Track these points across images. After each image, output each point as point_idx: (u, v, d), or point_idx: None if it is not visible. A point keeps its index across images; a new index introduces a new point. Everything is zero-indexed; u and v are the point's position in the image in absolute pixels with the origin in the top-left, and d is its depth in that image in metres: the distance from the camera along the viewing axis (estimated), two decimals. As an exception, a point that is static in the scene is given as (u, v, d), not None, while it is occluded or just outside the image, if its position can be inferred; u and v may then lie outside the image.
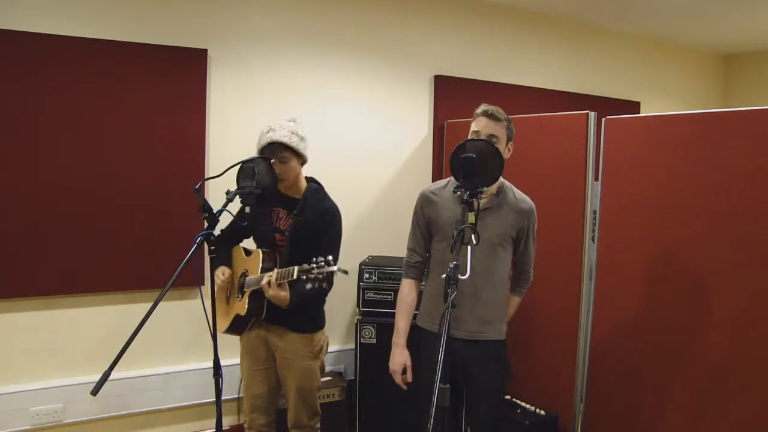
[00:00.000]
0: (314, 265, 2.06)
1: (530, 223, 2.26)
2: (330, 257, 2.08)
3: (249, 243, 2.56)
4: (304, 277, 2.07)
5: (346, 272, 2.10)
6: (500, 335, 2.26)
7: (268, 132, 2.32)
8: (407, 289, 2.32)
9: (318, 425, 2.53)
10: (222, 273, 2.43)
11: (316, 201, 2.39)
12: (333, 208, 2.41)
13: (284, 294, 2.21)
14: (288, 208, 2.40)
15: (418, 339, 2.30)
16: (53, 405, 2.83)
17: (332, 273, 2.07)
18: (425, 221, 2.29)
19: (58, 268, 2.82)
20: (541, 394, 2.94)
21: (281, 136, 2.29)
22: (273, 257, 2.35)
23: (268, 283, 2.18)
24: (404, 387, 2.23)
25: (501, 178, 2.22)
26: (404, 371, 2.23)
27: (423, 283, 2.39)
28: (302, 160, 2.39)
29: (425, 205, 2.29)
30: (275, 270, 2.22)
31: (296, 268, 2.11)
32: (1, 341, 2.77)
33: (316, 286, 2.06)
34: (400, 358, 2.23)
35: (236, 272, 2.47)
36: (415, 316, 2.34)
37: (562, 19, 4.40)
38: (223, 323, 2.46)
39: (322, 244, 2.32)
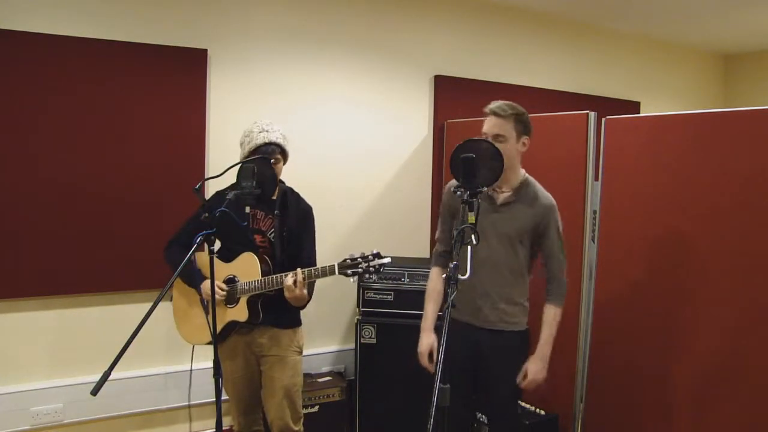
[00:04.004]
0: (360, 259, 2.15)
1: (549, 220, 2.21)
2: (377, 251, 2.18)
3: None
4: (350, 271, 2.15)
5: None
6: (521, 326, 2.28)
7: (260, 132, 2.33)
8: (434, 277, 2.40)
9: (302, 430, 2.48)
10: (218, 287, 2.31)
11: (294, 201, 2.45)
12: (311, 208, 2.50)
13: (305, 293, 2.24)
14: (265, 209, 2.39)
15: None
16: (53, 405, 2.83)
17: (383, 265, 2.16)
18: (450, 213, 2.35)
19: (58, 268, 2.81)
20: (541, 394, 2.94)
21: (276, 137, 2.34)
22: (266, 260, 2.34)
23: (294, 282, 2.19)
24: (431, 370, 2.23)
25: (526, 174, 2.26)
26: (431, 355, 2.27)
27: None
28: (286, 161, 2.44)
29: (450, 197, 2.34)
30: (298, 270, 2.21)
31: (336, 264, 2.17)
32: (1, 341, 2.77)
33: (367, 277, 2.20)
34: (426, 341, 2.28)
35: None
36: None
37: (562, 19, 4.40)
38: (201, 334, 2.38)
39: (307, 243, 2.41)
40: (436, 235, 2.45)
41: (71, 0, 2.80)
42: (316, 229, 2.50)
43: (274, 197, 2.41)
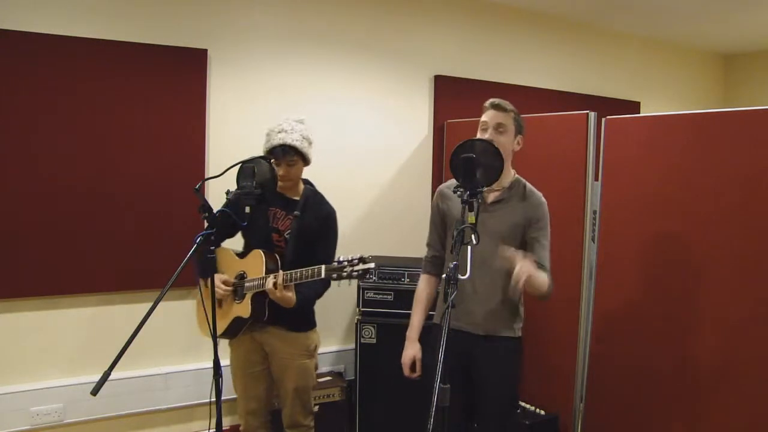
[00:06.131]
0: (346, 263, 2.08)
1: (539, 216, 2.18)
2: (364, 255, 2.11)
3: (232, 243, 2.53)
4: (335, 275, 2.08)
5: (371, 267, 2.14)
6: (513, 332, 2.22)
7: (279, 132, 2.31)
8: (423, 285, 2.34)
9: (312, 423, 2.54)
10: (222, 282, 2.37)
11: (315, 204, 2.42)
12: (333, 212, 2.45)
13: (291, 295, 2.21)
14: (286, 209, 2.40)
15: (432, 335, 2.28)
16: (53, 405, 2.82)
17: (368, 270, 2.09)
18: (440, 216, 2.31)
19: (58, 268, 2.81)
20: (541, 394, 2.94)
21: (293, 139, 2.30)
22: (274, 258, 2.34)
23: (274, 285, 2.17)
24: (414, 377, 2.25)
25: (517, 175, 2.24)
26: (414, 366, 2.24)
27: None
28: (307, 163, 2.41)
29: (441, 200, 2.31)
30: (280, 272, 2.20)
31: (323, 267, 2.11)
32: (1, 341, 2.77)
33: (349, 283, 2.09)
34: (410, 351, 2.26)
35: (228, 275, 2.43)
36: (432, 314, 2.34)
37: (561, 19, 4.40)
38: (205, 326, 2.40)
39: (323, 247, 2.36)
40: (427, 240, 2.39)
41: (71, 0, 2.80)
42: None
43: (298, 198, 2.41)
